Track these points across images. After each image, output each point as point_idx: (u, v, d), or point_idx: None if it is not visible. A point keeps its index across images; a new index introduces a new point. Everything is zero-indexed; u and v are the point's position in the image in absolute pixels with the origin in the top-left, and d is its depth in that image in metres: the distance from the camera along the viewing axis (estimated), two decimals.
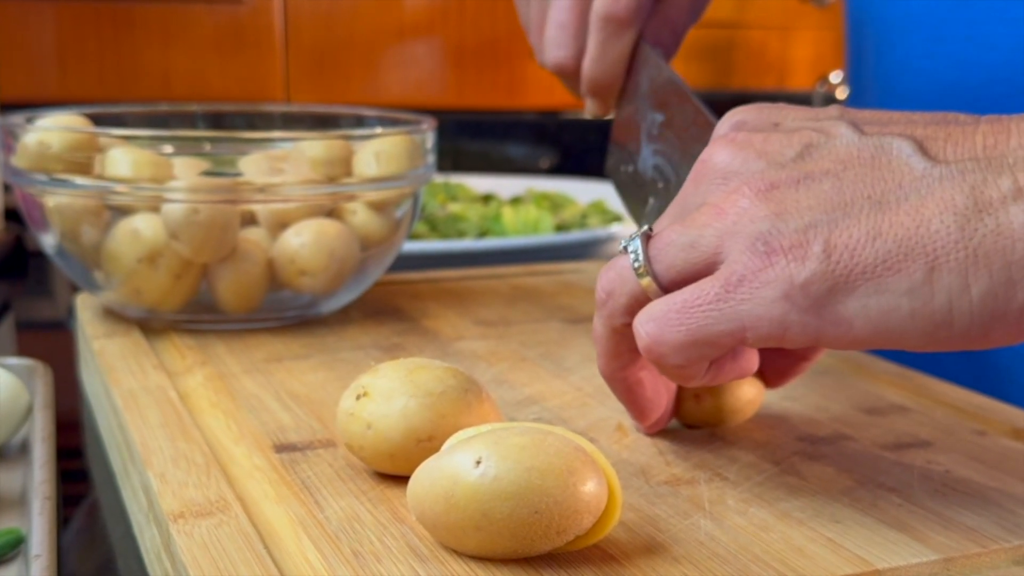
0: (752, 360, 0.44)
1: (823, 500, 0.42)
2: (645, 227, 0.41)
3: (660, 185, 0.55)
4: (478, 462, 0.35)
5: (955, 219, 0.36)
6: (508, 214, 1.11)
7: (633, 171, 0.57)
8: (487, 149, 1.61)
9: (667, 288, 0.40)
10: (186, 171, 0.60)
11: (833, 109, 0.42)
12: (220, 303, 0.64)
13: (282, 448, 0.47)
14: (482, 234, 1.09)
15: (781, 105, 0.43)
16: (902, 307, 0.36)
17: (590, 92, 0.57)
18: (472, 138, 1.60)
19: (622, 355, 0.44)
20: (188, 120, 0.74)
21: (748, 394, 0.49)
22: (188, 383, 0.55)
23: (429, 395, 0.42)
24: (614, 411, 0.52)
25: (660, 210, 0.54)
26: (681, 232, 0.39)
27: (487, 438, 0.36)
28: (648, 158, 0.55)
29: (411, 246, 0.92)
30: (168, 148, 0.60)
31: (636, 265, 0.40)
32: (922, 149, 0.38)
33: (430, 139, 0.67)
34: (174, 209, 0.60)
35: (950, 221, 0.36)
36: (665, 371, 0.40)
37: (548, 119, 1.66)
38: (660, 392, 0.47)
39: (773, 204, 0.38)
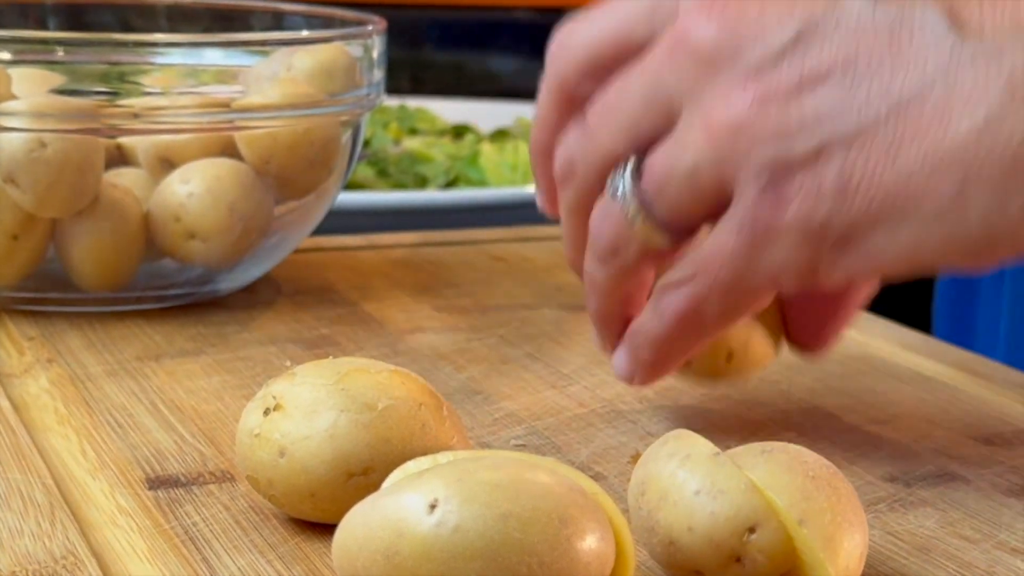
0: None
1: (921, 566, 0.42)
2: (632, 160, 0.46)
3: None
4: (433, 506, 0.35)
5: (987, 115, 0.40)
6: (489, 154, 1.11)
7: None
8: (461, 61, 1.60)
9: (680, 233, 0.46)
10: (30, 87, 0.60)
11: None
12: (75, 276, 0.63)
13: (158, 483, 0.47)
14: (451, 182, 1.09)
15: None
16: (932, 234, 0.41)
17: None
18: (440, 46, 1.59)
19: (633, 296, 0.50)
20: (34, 15, 0.74)
21: (760, 348, 0.53)
22: (27, 389, 0.55)
23: (367, 410, 0.42)
24: (630, 435, 0.52)
25: None
26: (676, 157, 0.44)
27: (447, 473, 0.36)
28: None
29: (349, 198, 0.92)
30: (4, 54, 0.60)
31: (632, 214, 0.46)
32: (953, 18, 0.41)
33: (378, 46, 0.67)
34: (11, 141, 0.60)
35: (980, 119, 0.40)
36: (707, 334, 0.48)
37: (548, 18, 1.65)
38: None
39: (773, 116, 0.42)
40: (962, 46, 0.41)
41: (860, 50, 0.42)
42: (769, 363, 0.54)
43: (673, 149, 0.45)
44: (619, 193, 0.46)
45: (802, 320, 0.53)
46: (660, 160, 0.45)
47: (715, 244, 0.45)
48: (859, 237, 0.42)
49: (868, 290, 0.52)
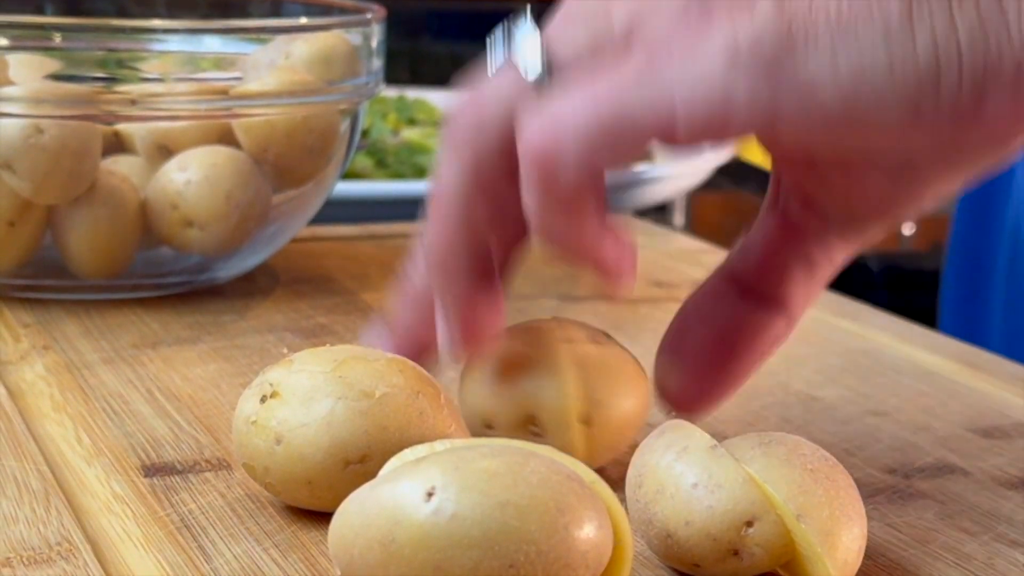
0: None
1: (920, 558, 0.42)
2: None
3: None
4: (430, 494, 0.35)
5: None
6: None
7: None
8: (459, 52, 1.60)
9: (564, 72, 0.40)
10: (27, 73, 0.60)
11: None
12: (71, 263, 0.64)
13: (154, 470, 0.47)
14: None
15: None
16: (879, 58, 0.36)
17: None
18: (439, 36, 1.59)
19: (507, 220, 0.45)
20: (32, 0, 0.74)
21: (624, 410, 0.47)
22: (22, 375, 0.55)
23: (364, 398, 0.42)
24: None
25: None
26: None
27: (444, 461, 0.36)
28: None
29: (347, 187, 0.92)
30: (1, 40, 0.60)
31: (526, 54, 0.41)
32: None
33: (377, 34, 0.67)
34: (8, 127, 0.60)
35: None
36: (550, 198, 0.40)
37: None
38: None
39: None
40: None
41: None
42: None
43: None
44: (515, 33, 0.43)
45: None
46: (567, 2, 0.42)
47: (610, 69, 0.39)
48: (792, 61, 0.37)
49: (761, 362, 0.47)
